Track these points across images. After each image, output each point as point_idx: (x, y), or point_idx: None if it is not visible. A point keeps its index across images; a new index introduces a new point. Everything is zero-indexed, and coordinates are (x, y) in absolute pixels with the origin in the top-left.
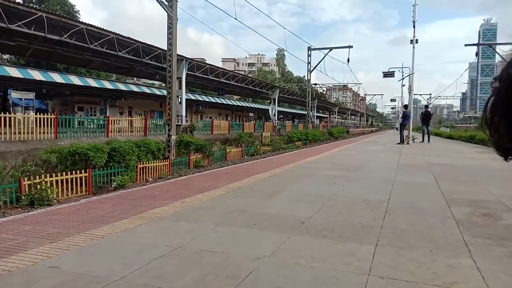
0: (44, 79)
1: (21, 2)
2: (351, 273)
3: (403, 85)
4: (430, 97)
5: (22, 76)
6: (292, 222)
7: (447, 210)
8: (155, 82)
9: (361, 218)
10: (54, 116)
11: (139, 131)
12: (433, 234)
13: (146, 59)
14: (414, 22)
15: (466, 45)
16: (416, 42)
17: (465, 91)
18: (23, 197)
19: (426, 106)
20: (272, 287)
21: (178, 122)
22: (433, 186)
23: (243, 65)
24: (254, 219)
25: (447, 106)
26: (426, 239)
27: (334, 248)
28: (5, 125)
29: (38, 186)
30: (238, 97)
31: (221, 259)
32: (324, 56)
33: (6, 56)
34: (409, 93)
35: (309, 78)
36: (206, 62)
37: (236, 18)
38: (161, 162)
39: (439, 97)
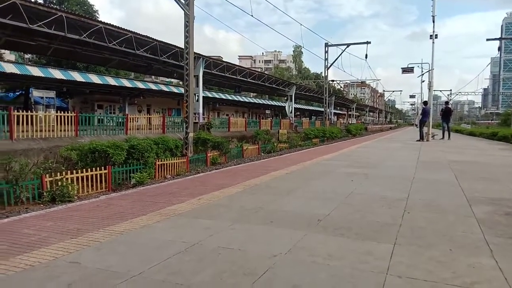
0: (64, 78)
1: (42, 2)
2: (369, 272)
3: (423, 81)
4: (451, 93)
5: (43, 75)
6: (309, 219)
7: (468, 209)
8: (172, 80)
9: (379, 216)
10: (75, 114)
11: (157, 129)
12: (453, 232)
13: (164, 58)
14: (433, 17)
15: (488, 39)
16: (436, 37)
17: (486, 87)
18: (45, 194)
19: (447, 103)
20: (288, 285)
21: (195, 119)
22: (453, 184)
23: (259, 62)
24: (271, 216)
25: (468, 102)
26: (445, 237)
27: (351, 246)
28: (27, 123)
29: (59, 183)
30: (255, 94)
31: (238, 256)
32: (342, 53)
33: (27, 56)
34: (429, 89)
35: (326, 74)
36: (223, 59)
37: (252, 15)
38: (179, 159)
39: (460, 93)
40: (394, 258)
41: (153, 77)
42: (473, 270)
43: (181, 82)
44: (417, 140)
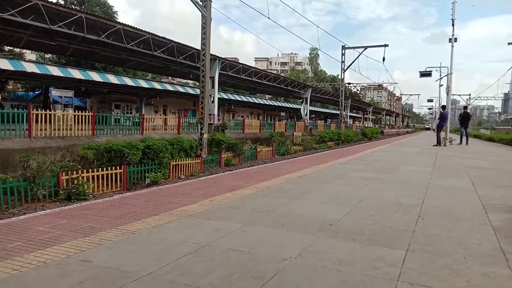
0: (83, 78)
1: (63, 3)
2: (380, 278)
3: (441, 85)
4: (470, 98)
5: (62, 75)
6: (321, 223)
7: (484, 216)
8: (189, 81)
9: (392, 222)
10: (92, 114)
11: (173, 129)
12: (468, 240)
13: (181, 59)
14: (453, 20)
15: (509, 43)
16: (455, 41)
17: (507, 92)
18: (61, 191)
19: (465, 107)
20: None
21: (210, 120)
22: (470, 191)
23: (275, 64)
24: (282, 220)
25: (488, 107)
26: (460, 245)
27: (363, 252)
28: (45, 122)
29: (75, 181)
30: (270, 96)
31: (248, 258)
32: (359, 55)
33: (48, 56)
34: (447, 93)
35: (342, 77)
36: (239, 61)
37: (269, 18)
38: (193, 160)
39: (479, 98)
40: (406, 264)
41: (169, 78)
42: (487, 280)
43: (197, 83)
44: (434, 145)
